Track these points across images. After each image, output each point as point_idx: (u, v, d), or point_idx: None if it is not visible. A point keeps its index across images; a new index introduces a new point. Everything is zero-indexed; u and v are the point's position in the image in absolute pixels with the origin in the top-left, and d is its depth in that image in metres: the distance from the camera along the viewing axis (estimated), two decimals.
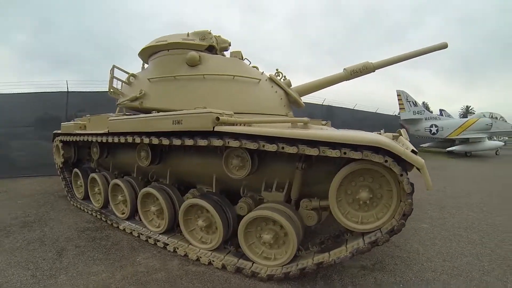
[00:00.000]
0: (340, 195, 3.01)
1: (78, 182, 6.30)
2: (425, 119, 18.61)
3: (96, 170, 6.26)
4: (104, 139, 4.85)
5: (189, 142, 3.61)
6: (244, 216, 3.50)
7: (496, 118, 16.76)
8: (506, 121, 16.96)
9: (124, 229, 4.74)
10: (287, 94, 5.50)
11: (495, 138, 18.55)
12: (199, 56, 4.72)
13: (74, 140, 5.85)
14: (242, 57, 5.32)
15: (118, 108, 5.91)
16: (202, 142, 3.49)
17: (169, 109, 4.28)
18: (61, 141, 6.41)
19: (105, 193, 5.42)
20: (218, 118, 3.33)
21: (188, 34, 5.05)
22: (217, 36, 5.31)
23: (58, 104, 9.75)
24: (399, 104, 18.81)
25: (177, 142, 3.74)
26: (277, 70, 5.73)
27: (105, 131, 4.78)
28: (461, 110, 46.99)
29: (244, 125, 3.42)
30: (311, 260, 3.09)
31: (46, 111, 9.83)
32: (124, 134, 4.50)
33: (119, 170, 5.83)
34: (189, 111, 3.60)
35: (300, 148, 2.95)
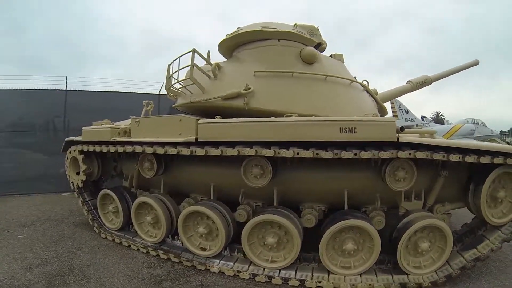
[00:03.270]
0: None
1: (110, 208, 4.37)
2: (416, 126, 18.57)
3: (133, 191, 4.45)
4: (183, 150, 3.20)
5: (366, 154, 2.83)
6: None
7: (478, 123, 17.20)
8: (486, 126, 17.50)
9: (220, 271, 3.25)
10: (376, 102, 4.84)
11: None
12: (317, 53, 3.90)
13: (106, 151, 4.01)
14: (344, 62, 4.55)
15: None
16: (385, 154, 2.84)
17: (286, 112, 3.32)
18: (81, 152, 4.42)
19: (168, 223, 3.70)
20: (402, 128, 2.98)
21: (296, 26, 4.06)
22: None
23: (45, 105, 7.30)
24: (393, 112, 18.52)
25: (348, 155, 2.85)
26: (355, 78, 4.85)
27: (189, 139, 3.16)
28: (431, 116, 47.84)
29: None
30: (462, 259, 3.09)
31: (28, 113, 7.26)
32: (228, 143, 3.16)
33: (177, 191, 4.12)
34: (363, 118, 2.98)
35: (486, 158, 2.85)
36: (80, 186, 4.58)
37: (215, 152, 3.04)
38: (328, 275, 3.07)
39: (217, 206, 3.46)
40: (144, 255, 3.75)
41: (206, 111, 3.75)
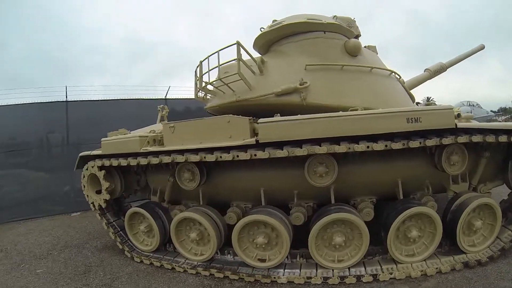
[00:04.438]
0: None
1: (142, 227, 3.82)
2: None
3: (164, 205, 3.92)
4: (241, 154, 2.76)
5: (431, 142, 2.80)
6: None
7: (473, 105, 17.22)
8: (481, 108, 17.59)
9: (288, 281, 2.94)
10: (406, 91, 4.77)
11: None
12: (361, 45, 3.89)
13: (134, 164, 3.48)
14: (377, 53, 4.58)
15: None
16: (447, 141, 2.82)
17: (341, 106, 3.26)
18: (101, 167, 3.85)
19: (218, 238, 3.23)
20: (459, 115, 3.03)
21: (335, 17, 4.00)
22: None
23: (43, 119, 6.53)
24: None
25: (414, 144, 2.79)
26: None
27: (248, 141, 2.74)
28: (422, 102, 49.43)
29: None
30: (510, 232, 3.16)
31: (26, 129, 6.42)
32: (290, 143, 2.85)
33: (217, 201, 3.64)
34: (426, 108, 3.07)
35: None
36: (103, 207, 4.01)
37: (281, 153, 2.65)
38: (396, 265, 2.97)
39: (275, 212, 3.08)
40: (194, 277, 3.26)
41: (253, 109, 3.32)
